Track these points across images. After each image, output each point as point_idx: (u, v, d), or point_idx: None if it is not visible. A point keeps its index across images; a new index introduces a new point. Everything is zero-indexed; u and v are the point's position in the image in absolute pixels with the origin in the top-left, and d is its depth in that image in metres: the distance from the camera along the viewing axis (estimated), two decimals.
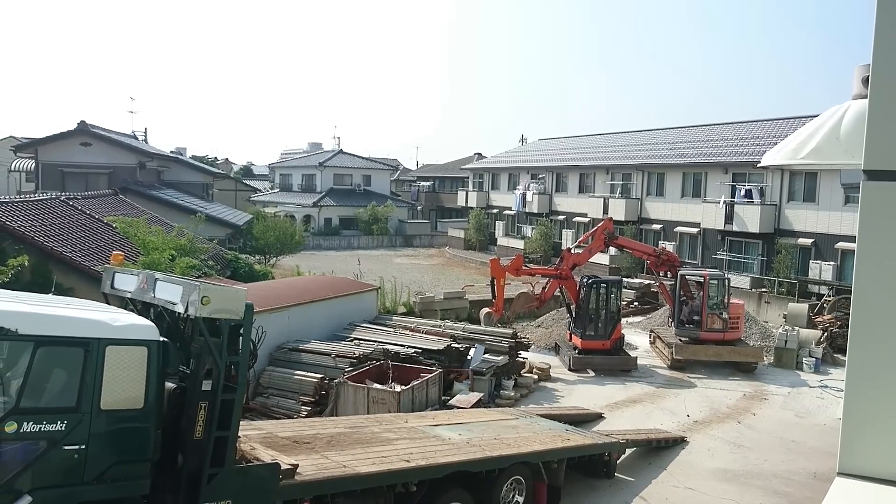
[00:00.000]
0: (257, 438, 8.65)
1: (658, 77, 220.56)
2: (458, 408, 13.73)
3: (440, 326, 18.37)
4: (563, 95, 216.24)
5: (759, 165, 15.64)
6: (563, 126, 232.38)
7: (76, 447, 6.34)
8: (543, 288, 21.37)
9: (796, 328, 20.91)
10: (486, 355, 16.37)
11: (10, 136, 56.27)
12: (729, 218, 31.83)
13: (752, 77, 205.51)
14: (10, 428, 6.04)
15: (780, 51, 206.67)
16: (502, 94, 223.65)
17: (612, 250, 28.22)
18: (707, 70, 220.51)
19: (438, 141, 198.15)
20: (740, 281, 29.22)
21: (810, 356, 19.85)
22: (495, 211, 53.29)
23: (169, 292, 7.18)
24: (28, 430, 6.12)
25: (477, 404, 14.18)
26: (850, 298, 3.72)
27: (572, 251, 21.48)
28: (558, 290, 21.28)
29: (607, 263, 35.29)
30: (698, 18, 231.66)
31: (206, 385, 7.01)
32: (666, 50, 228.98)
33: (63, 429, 6.28)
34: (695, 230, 34.76)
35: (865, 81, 3.65)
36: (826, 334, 21.43)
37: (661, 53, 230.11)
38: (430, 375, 14.14)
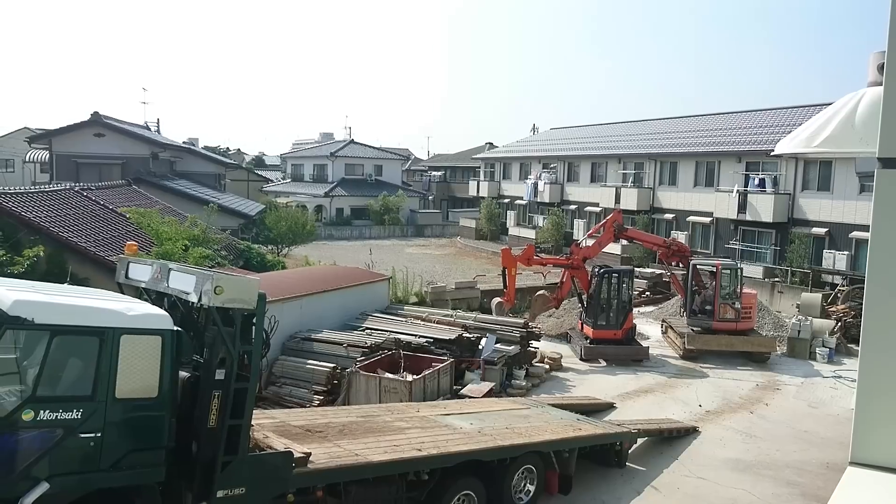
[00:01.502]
0: (270, 427, 8.72)
1: (670, 66, 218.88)
2: (470, 397, 13.77)
3: (452, 316, 18.39)
4: (575, 86, 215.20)
5: (772, 154, 15.50)
6: (574, 116, 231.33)
7: (92, 435, 6.43)
8: (559, 286, 21.43)
9: (810, 318, 20.79)
10: (497, 345, 16.38)
11: (25, 128, 56.72)
12: (742, 207, 31.59)
13: (765, 66, 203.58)
14: (28, 416, 6.13)
15: (794, 38, 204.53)
16: (514, 83, 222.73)
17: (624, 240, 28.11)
18: (719, 59, 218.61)
19: (450, 131, 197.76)
20: (753, 270, 29.03)
21: (824, 346, 19.74)
22: (507, 201, 53.17)
23: (182, 282, 7.23)
24: (45, 418, 6.21)
25: (488, 394, 14.21)
26: (864, 288, 3.70)
27: (581, 245, 21.42)
28: (568, 276, 21.25)
29: (619, 253, 35.17)
30: (710, 6, 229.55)
31: (220, 374, 7.07)
32: (679, 39, 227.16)
33: (79, 417, 6.37)
34: (707, 220, 34.55)
35: (881, 68, 3.61)
36: (840, 324, 21.28)
37: (675, 42, 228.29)
38: (442, 365, 14.18)
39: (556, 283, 21.33)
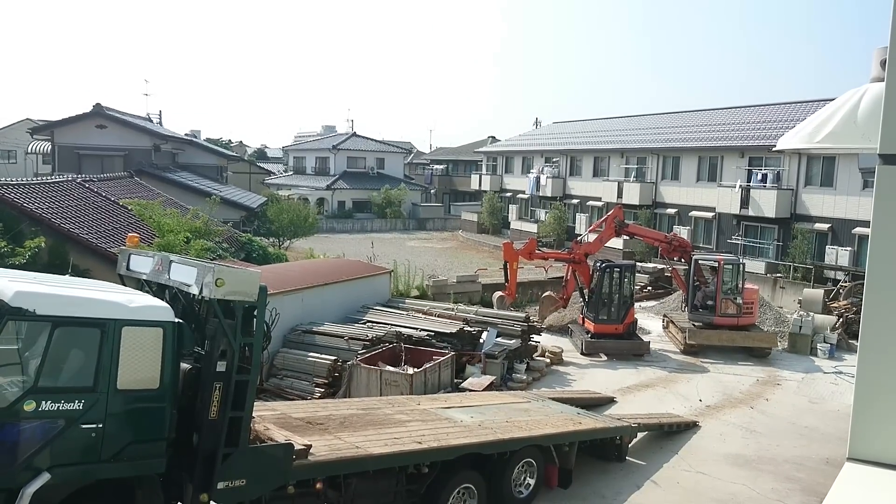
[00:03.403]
0: (271, 419, 8.75)
1: (673, 61, 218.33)
2: (471, 391, 13.80)
3: (453, 310, 18.40)
4: (578, 80, 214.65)
5: (774, 149, 15.46)
6: (577, 110, 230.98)
7: (93, 426, 6.45)
8: (564, 285, 21.50)
9: (811, 314, 20.78)
10: (498, 339, 16.40)
11: (27, 119, 56.70)
12: (745, 202, 31.55)
13: (770, 61, 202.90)
14: (29, 407, 6.15)
15: (799, 33, 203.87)
16: (517, 77, 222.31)
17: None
18: (722, 54, 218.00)
19: (452, 124, 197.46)
20: (755, 266, 29.02)
21: (825, 342, 19.73)
22: (509, 194, 53.14)
23: (184, 274, 7.25)
24: (46, 408, 6.23)
25: (489, 387, 14.24)
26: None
27: (581, 242, 21.44)
28: (571, 274, 21.29)
29: (621, 248, 35.16)
30: (714, 2, 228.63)
31: (221, 366, 7.08)
32: (682, 34, 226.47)
33: (80, 408, 6.39)
34: (710, 215, 34.51)
35: (884, 64, 3.60)
36: (841, 320, 21.27)
37: (677, 37, 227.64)
38: (443, 358, 14.20)
39: (559, 278, 21.37)
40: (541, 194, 47.87)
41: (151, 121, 47.64)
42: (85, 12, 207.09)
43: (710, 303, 19.88)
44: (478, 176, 58.24)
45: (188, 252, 17.55)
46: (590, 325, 19.65)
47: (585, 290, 20.48)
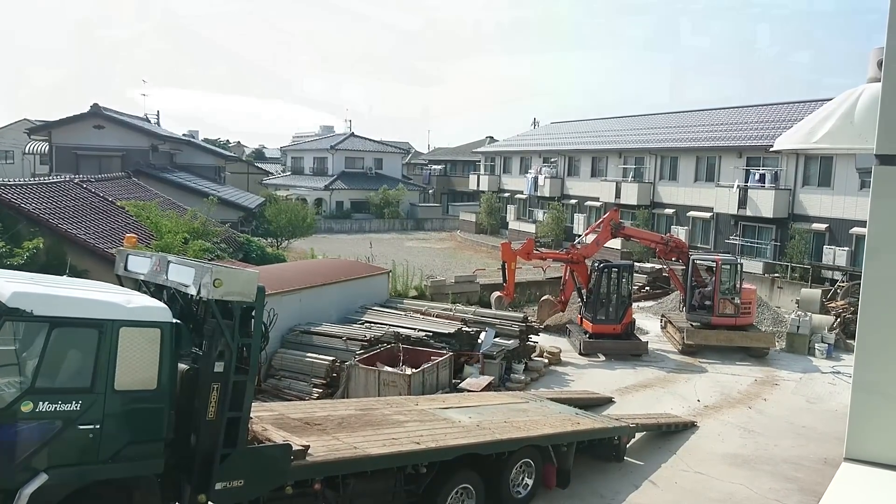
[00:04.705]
0: (269, 420, 8.74)
1: (671, 61, 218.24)
2: (469, 391, 13.79)
3: (451, 310, 18.41)
4: (577, 80, 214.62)
5: (772, 149, 15.49)
6: (575, 110, 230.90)
7: (91, 427, 6.45)
8: (562, 288, 21.51)
9: (809, 314, 20.80)
10: (496, 339, 16.38)
11: (24, 119, 56.62)
12: (742, 202, 31.58)
13: (768, 61, 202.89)
14: (27, 407, 6.15)
15: (797, 32, 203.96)
16: (516, 77, 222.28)
17: None
18: (720, 54, 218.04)
19: (450, 124, 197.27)
20: (753, 266, 29.03)
21: (823, 342, 19.76)
22: (507, 195, 53.14)
23: (182, 275, 7.24)
24: (44, 409, 6.23)
25: (487, 388, 14.23)
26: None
27: (578, 246, 21.48)
28: (569, 275, 21.30)
29: (619, 248, 35.18)
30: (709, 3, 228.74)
31: (219, 367, 7.08)
32: (685, 32, 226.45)
33: (78, 409, 6.39)
34: (708, 215, 34.54)
35: (880, 65, 3.61)
36: (839, 320, 21.30)
37: (675, 38, 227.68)
38: (441, 359, 14.19)
39: (557, 278, 21.38)
40: (539, 194, 47.88)
41: (149, 121, 47.60)
42: (84, 12, 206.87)
43: (707, 303, 19.88)
44: (476, 176, 58.23)
45: (186, 252, 17.54)
46: (588, 326, 19.65)
47: (584, 291, 20.49)
